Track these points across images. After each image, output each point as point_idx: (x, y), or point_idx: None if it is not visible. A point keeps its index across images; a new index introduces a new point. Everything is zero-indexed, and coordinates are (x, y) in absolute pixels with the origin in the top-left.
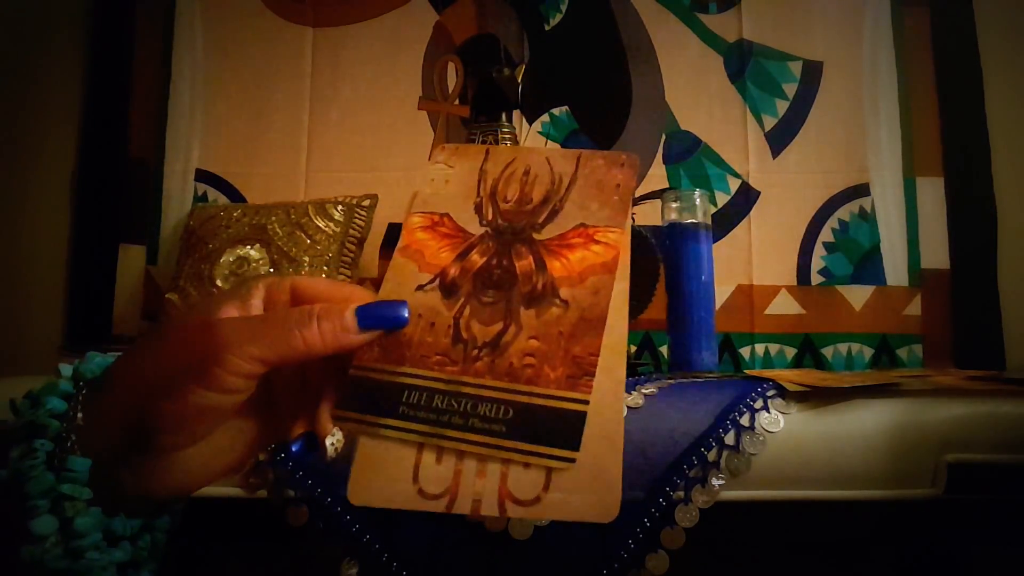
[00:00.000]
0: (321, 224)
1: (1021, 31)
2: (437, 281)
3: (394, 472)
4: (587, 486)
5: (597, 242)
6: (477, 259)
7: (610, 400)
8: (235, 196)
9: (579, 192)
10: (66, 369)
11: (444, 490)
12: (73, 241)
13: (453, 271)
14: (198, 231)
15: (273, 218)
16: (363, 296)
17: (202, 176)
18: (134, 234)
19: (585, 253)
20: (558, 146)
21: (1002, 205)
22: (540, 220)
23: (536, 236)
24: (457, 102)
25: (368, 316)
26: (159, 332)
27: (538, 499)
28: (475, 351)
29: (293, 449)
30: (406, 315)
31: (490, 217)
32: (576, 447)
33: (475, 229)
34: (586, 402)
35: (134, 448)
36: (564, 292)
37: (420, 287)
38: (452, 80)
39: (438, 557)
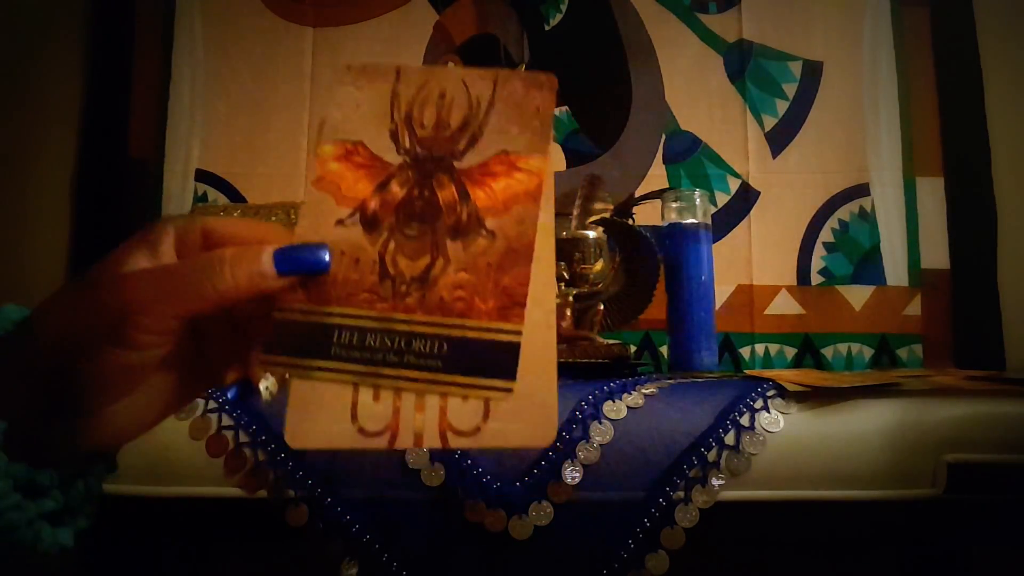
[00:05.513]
0: None
1: (1021, 31)
2: (357, 215)
3: (331, 413)
4: (524, 414)
5: (519, 169)
6: (397, 190)
7: (542, 329)
8: (235, 196)
9: (498, 116)
10: None
11: (384, 427)
12: (73, 241)
13: (373, 204)
14: None
15: (273, 218)
16: (279, 236)
17: (202, 176)
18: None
19: (508, 181)
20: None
21: (1002, 205)
22: (460, 147)
23: (457, 164)
24: None
25: (286, 260)
26: (72, 287)
27: (478, 429)
28: (404, 286)
29: (228, 396)
30: (327, 259)
31: (407, 145)
32: (513, 376)
33: (392, 158)
34: (519, 332)
35: (58, 407)
36: (490, 222)
37: (340, 221)
38: None
39: (438, 557)
